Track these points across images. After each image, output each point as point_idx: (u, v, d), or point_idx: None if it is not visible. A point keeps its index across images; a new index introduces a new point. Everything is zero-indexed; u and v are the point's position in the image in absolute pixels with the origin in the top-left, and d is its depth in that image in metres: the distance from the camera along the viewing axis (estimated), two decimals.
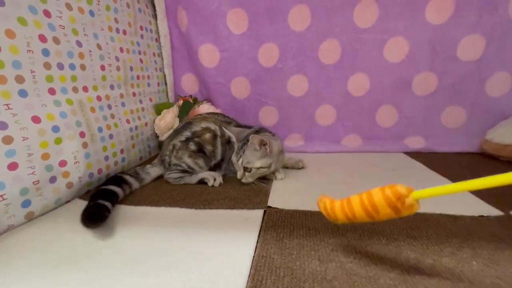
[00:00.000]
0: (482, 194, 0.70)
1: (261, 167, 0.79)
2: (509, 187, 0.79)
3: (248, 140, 0.78)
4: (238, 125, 0.96)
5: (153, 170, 0.89)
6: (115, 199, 0.69)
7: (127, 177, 0.79)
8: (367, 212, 0.41)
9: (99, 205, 0.62)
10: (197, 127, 0.88)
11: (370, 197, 0.41)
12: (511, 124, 1.02)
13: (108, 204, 0.64)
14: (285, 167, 0.96)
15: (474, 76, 1.06)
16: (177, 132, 0.90)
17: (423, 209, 0.62)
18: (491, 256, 0.47)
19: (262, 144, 0.77)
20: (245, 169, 0.79)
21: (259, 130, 0.87)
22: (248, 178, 0.80)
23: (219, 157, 0.90)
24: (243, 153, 0.79)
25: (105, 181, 0.76)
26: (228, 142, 0.90)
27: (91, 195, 0.67)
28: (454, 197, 0.71)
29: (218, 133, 0.89)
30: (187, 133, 0.88)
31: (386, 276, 0.43)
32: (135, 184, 0.81)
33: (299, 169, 0.97)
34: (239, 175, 0.80)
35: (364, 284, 0.41)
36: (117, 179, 0.77)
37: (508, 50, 1.01)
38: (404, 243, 0.51)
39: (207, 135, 0.88)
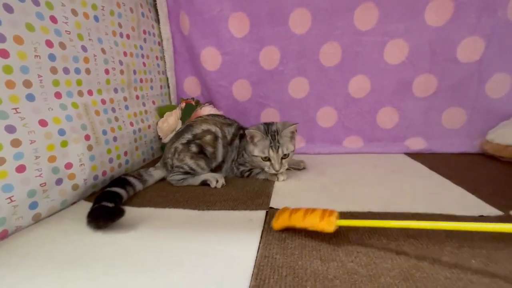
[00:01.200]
0: (483, 194, 0.71)
1: (293, 150, 0.86)
2: (510, 188, 0.80)
3: (275, 132, 0.84)
4: (241, 127, 0.97)
5: (156, 173, 0.90)
6: (119, 201, 0.70)
7: (131, 179, 0.80)
8: (303, 214, 0.55)
9: (104, 207, 0.64)
10: (197, 130, 0.90)
11: (312, 209, 0.56)
12: (511, 124, 1.02)
13: (112, 205, 0.65)
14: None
15: (474, 77, 1.07)
16: (178, 135, 0.92)
17: (423, 209, 0.63)
18: (490, 255, 0.48)
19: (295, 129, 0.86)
20: (283, 157, 0.84)
21: (271, 123, 0.89)
22: (285, 165, 0.85)
23: (220, 158, 0.91)
24: (279, 143, 0.83)
25: (109, 182, 0.77)
26: (230, 143, 0.92)
27: (95, 197, 0.68)
28: (455, 197, 0.73)
29: (219, 134, 0.90)
30: (188, 136, 0.89)
31: (386, 275, 0.44)
32: (138, 186, 0.82)
33: (300, 169, 0.98)
34: (277, 166, 0.83)
35: (365, 283, 0.42)
36: (121, 180, 0.78)
37: (507, 51, 1.02)
38: (405, 243, 0.52)
39: (208, 137, 0.89)
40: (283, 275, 0.45)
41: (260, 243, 0.54)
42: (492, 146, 1.03)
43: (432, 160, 1.03)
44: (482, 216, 0.61)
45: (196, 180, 0.86)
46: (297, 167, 0.98)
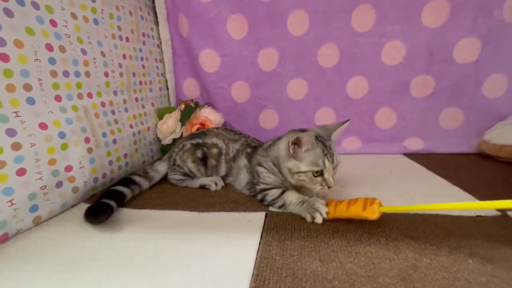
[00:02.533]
0: (480, 194, 0.72)
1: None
2: (506, 188, 0.81)
3: (322, 139, 0.67)
4: (247, 144, 0.89)
5: (161, 166, 0.93)
6: (121, 199, 0.72)
7: (136, 178, 0.82)
8: (347, 205, 0.59)
9: (102, 203, 0.65)
10: (209, 140, 0.90)
11: (354, 200, 0.60)
12: (508, 124, 1.03)
13: (112, 202, 0.66)
14: None
15: (470, 78, 1.08)
16: (192, 136, 0.95)
17: (421, 210, 0.64)
18: (487, 255, 0.48)
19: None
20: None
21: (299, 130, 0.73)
22: (334, 179, 0.67)
23: (223, 172, 0.90)
24: (331, 149, 0.66)
25: (115, 182, 0.79)
26: (233, 159, 0.88)
27: (99, 195, 0.69)
28: (452, 197, 0.73)
29: (223, 151, 0.89)
30: (199, 140, 0.91)
31: (385, 275, 0.44)
32: (144, 184, 0.84)
33: None
34: (332, 181, 0.65)
35: (364, 283, 0.43)
36: (126, 180, 0.80)
37: (503, 52, 1.03)
38: (403, 243, 0.52)
39: (214, 150, 0.89)
40: (283, 276, 0.45)
41: (259, 244, 0.55)
42: (489, 146, 1.04)
43: (430, 160, 1.03)
44: (479, 216, 0.62)
45: (195, 183, 0.87)
46: None
